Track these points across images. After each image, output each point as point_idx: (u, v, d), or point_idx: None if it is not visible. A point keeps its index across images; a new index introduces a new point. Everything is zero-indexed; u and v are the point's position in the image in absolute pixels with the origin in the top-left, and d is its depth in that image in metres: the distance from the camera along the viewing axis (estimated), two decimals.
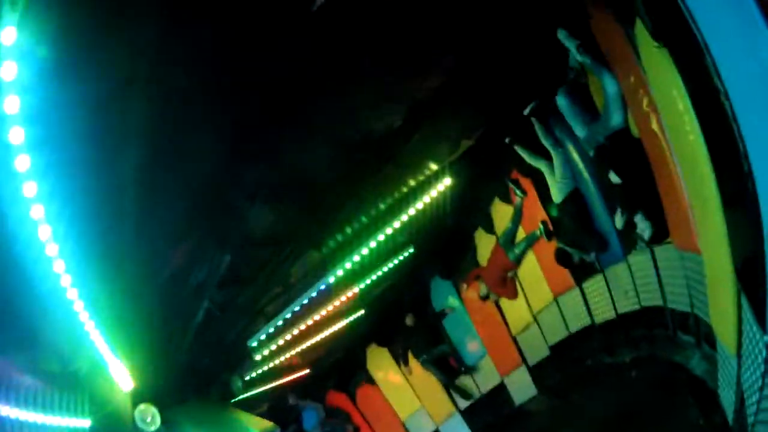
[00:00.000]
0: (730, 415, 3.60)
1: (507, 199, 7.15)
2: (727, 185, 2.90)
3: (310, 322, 7.11)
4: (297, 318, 6.77)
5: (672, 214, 4.26)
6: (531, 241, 6.96)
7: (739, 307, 3.08)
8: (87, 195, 3.18)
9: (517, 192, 6.69)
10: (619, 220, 5.04)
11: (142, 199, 3.66)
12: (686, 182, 3.64)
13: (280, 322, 6.56)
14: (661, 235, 4.63)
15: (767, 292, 2.55)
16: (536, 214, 6.72)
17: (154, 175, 3.68)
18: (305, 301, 6.35)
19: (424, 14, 4.11)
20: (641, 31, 3.31)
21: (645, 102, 3.89)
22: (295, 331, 7.04)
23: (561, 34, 4.61)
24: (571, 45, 4.57)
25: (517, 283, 7.64)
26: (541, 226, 6.62)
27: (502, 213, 7.31)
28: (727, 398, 3.63)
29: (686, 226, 3.96)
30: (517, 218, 6.91)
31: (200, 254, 5.21)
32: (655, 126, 3.88)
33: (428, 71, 4.90)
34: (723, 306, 3.35)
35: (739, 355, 3.14)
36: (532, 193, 6.66)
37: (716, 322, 3.71)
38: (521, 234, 7.07)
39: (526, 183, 6.69)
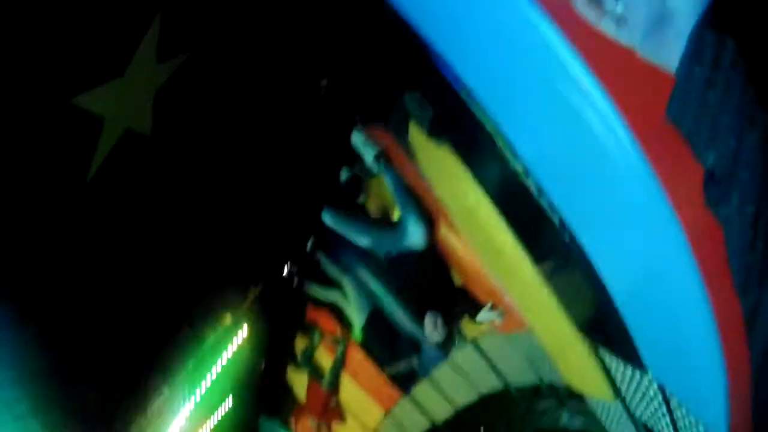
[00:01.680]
0: None
1: (307, 333, 7.04)
2: (547, 259, 3.09)
3: None
4: None
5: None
6: (339, 364, 6.76)
7: (600, 360, 3.24)
8: None
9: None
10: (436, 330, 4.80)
11: None
12: (495, 272, 3.82)
13: None
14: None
15: (630, 338, 2.69)
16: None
17: None
18: None
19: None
20: (416, 133, 3.35)
21: (431, 206, 4.01)
22: None
23: (357, 139, 4.39)
24: (368, 152, 4.37)
25: (342, 407, 7.33)
26: (341, 347, 6.54)
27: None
28: None
29: (506, 311, 4.11)
30: (339, 365, 6.74)
31: None
32: (445, 228, 4.03)
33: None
34: (578, 366, 3.51)
35: (622, 399, 3.27)
36: (331, 323, 6.54)
37: (576, 382, 3.85)
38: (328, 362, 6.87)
39: (322, 315, 6.58)
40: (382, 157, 4.32)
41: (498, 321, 4.19)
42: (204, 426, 7.33)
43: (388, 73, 3.57)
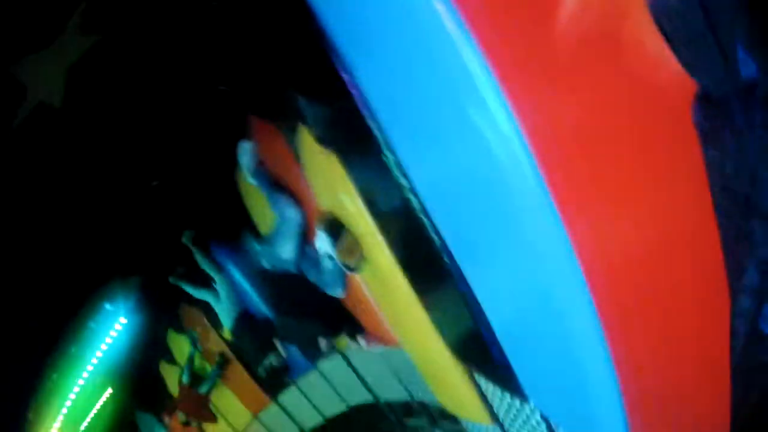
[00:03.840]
0: None
1: (181, 329, 7.12)
2: (422, 279, 2.91)
3: None
4: None
5: (360, 318, 4.18)
6: (215, 377, 6.84)
7: (475, 384, 3.10)
8: None
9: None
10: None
11: None
12: (368, 285, 3.61)
13: None
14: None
15: (508, 364, 2.54)
16: (212, 345, 6.69)
17: None
18: None
19: None
20: (305, 137, 3.17)
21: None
22: None
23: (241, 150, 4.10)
24: (246, 163, 4.10)
25: (213, 408, 7.44)
26: (218, 359, 6.66)
27: (179, 344, 7.29)
28: None
29: (377, 325, 3.92)
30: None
31: None
32: None
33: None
34: (452, 387, 3.37)
35: (499, 423, 3.16)
36: (204, 322, 6.52)
37: (449, 403, 3.73)
38: (207, 368, 6.97)
39: (195, 314, 6.57)
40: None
41: (365, 347, 4.16)
42: (86, 416, 7.95)
43: (285, 72, 3.40)
